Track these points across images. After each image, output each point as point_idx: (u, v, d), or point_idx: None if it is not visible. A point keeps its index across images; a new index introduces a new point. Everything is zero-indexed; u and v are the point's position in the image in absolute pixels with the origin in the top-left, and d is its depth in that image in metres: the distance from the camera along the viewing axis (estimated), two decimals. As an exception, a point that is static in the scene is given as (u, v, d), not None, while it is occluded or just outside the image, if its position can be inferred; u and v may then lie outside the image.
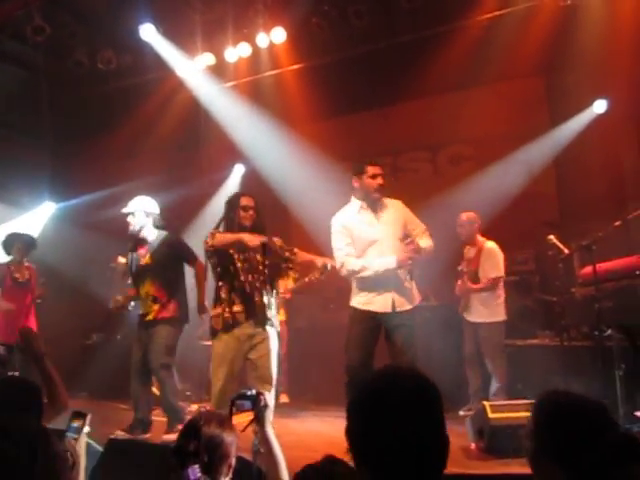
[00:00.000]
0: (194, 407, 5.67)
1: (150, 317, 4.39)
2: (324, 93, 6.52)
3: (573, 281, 4.62)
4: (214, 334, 3.74)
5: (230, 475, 1.92)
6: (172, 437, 4.13)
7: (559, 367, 4.06)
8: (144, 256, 4.47)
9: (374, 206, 3.85)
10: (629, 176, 5.81)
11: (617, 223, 3.84)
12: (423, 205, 4.61)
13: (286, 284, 5.79)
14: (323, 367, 5.74)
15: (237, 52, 6.53)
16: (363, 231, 3.81)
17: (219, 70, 6.84)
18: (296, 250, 3.89)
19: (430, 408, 1.17)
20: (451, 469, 1.22)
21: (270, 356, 3.71)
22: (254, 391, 2.13)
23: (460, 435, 3.81)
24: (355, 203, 3.90)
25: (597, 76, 5.63)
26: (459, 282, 5.09)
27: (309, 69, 6.64)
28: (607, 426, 1.22)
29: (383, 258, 3.73)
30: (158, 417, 4.67)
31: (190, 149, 7.72)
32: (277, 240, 3.89)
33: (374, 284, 3.76)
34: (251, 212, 3.76)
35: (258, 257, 3.76)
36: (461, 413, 4.67)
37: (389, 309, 3.75)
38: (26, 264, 5.44)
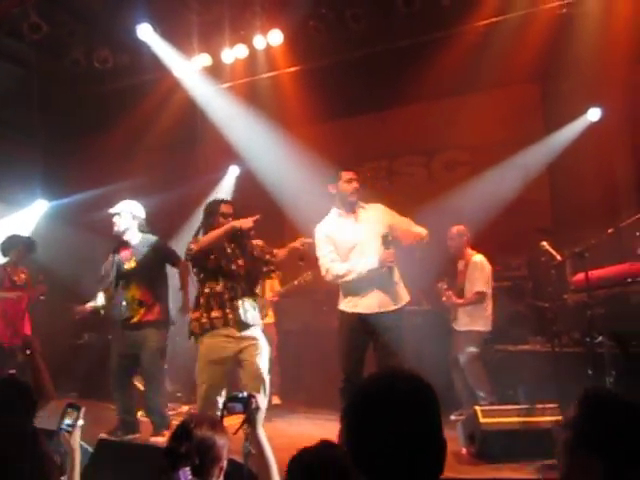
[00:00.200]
0: (185, 408, 5.66)
1: (135, 320, 4.38)
2: (320, 96, 6.53)
3: (565, 288, 4.64)
4: (192, 336, 3.78)
5: (221, 478, 1.91)
6: (159, 439, 4.13)
7: (550, 373, 4.07)
8: (129, 259, 4.48)
9: (352, 210, 3.92)
10: (622, 184, 5.85)
11: (610, 231, 3.86)
12: (417, 209, 4.63)
13: (272, 286, 5.79)
14: (315, 369, 5.75)
15: (234, 53, 6.53)
16: (344, 236, 3.86)
17: (215, 71, 6.83)
18: (275, 251, 3.93)
19: (427, 410, 1.17)
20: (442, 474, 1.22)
21: (260, 359, 3.72)
22: (246, 393, 2.13)
23: (451, 440, 3.79)
24: (333, 211, 3.97)
25: (592, 84, 5.67)
26: (443, 300, 5.10)
27: (306, 72, 6.64)
28: None
29: (366, 259, 3.76)
30: (145, 418, 4.67)
31: (185, 150, 7.70)
32: (258, 242, 3.92)
33: (358, 287, 3.80)
34: (230, 219, 3.76)
35: (240, 261, 3.78)
36: (452, 417, 4.68)
37: (375, 309, 3.78)
38: (21, 267, 5.37)
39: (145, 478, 2.26)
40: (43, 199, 7.57)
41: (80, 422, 2.20)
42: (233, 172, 7.41)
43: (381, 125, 6.90)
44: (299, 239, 3.78)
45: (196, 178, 7.09)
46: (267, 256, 3.89)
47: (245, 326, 3.72)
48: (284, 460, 2.23)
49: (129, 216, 4.50)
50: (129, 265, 4.46)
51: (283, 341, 6.03)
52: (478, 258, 4.99)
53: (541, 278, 5.39)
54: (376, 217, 3.93)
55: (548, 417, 3.70)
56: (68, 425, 2.16)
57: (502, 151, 5.97)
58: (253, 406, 2.06)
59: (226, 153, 7.07)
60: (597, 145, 5.74)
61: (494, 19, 5.79)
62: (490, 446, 3.61)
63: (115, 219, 4.49)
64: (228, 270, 3.75)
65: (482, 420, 3.67)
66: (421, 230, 3.83)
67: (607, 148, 5.87)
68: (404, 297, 3.91)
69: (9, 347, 5.10)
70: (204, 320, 3.69)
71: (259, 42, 6.31)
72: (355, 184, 3.88)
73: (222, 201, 3.99)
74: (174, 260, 4.53)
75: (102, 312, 4.67)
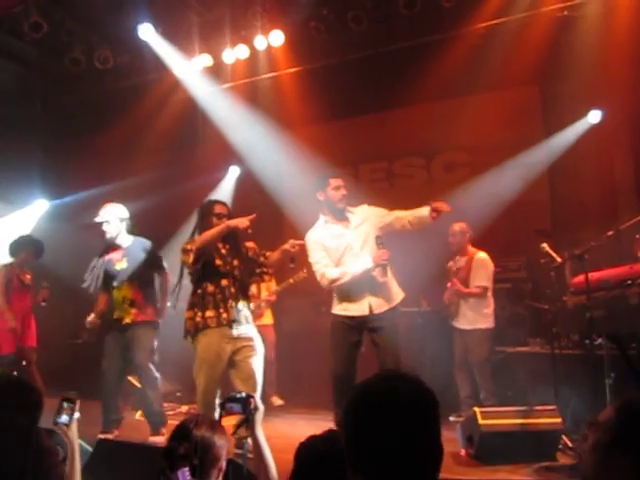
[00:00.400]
0: (184, 408, 5.66)
1: (128, 320, 4.40)
2: (321, 97, 6.53)
3: (565, 289, 4.64)
4: (187, 335, 3.80)
5: (220, 478, 1.91)
6: (159, 439, 4.14)
7: (549, 375, 4.07)
8: (120, 260, 4.51)
9: (341, 216, 3.92)
10: (622, 186, 5.86)
11: (610, 233, 3.86)
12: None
13: (269, 286, 5.79)
14: (314, 370, 5.74)
15: (235, 54, 6.53)
16: (334, 243, 3.87)
17: (216, 71, 6.84)
18: (268, 253, 3.95)
19: (428, 415, 1.17)
20: (440, 475, 1.22)
21: (254, 360, 3.73)
22: (244, 394, 2.13)
23: (450, 441, 3.81)
24: (321, 219, 3.98)
25: (592, 87, 5.68)
26: (448, 287, 5.10)
27: (306, 72, 6.65)
28: None
29: (359, 260, 3.77)
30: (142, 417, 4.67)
31: (186, 150, 7.71)
32: (251, 245, 3.93)
33: (350, 290, 3.81)
34: (224, 220, 3.77)
35: (235, 262, 3.79)
36: (451, 419, 4.69)
37: (367, 312, 3.78)
38: (26, 269, 5.34)
39: (144, 478, 2.26)
40: (43, 198, 7.57)
41: (76, 415, 2.20)
42: (233, 172, 7.41)
43: (381, 126, 6.90)
44: (290, 241, 3.79)
45: (196, 178, 7.08)
46: (260, 258, 3.92)
47: (239, 326, 3.74)
48: (283, 460, 2.24)
49: (117, 221, 4.56)
50: (120, 266, 4.50)
51: (282, 342, 6.03)
52: (483, 255, 4.99)
53: (540, 280, 5.39)
54: (364, 217, 3.94)
55: (547, 419, 3.70)
56: (65, 419, 2.17)
57: (502, 153, 5.97)
58: (252, 406, 2.06)
59: (226, 153, 7.07)
60: (597, 147, 5.75)
61: (495, 21, 5.80)
62: (489, 448, 3.61)
63: (105, 227, 4.54)
64: (222, 270, 3.77)
65: (481, 422, 3.67)
66: (412, 211, 3.82)
67: (607, 150, 5.88)
68: (398, 295, 3.91)
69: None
70: (198, 319, 3.72)
71: (260, 42, 6.32)
72: (343, 191, 3.88)
73: (216, 202, 4.01)
74: (160, 267, 4.62)
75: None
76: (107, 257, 4.54)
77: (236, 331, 3.75)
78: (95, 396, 4.74)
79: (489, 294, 4.96)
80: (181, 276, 3.88)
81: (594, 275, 3.81)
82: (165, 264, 4.65)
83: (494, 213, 5.54)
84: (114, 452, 2.75)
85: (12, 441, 1.32)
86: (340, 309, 3.88)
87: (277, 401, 5.77)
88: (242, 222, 3.61)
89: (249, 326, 3.84)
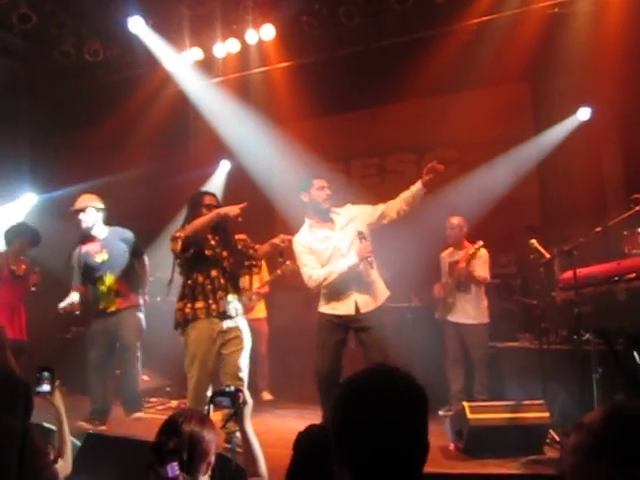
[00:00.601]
0: (174, 403, 5.65)
1: (113, 309, 4.49)
2: (312, 92, 6.52)
3: (554, 285, 4.68)
4: (177, 327, 3.81)
5: (209, 472, 1.92)
6: (140, 415, 4.32)
7: (538, 370, 4.11)
8: (99, 252, 4.53)
9: (326, 217, 3.92)
10: (610, 183, 5.90)
11: (598, 229, 3.89)
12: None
13: (262, 277, 5.77)
14: (305, 365, 5.72)
15: (226, 48, 6.50)
16: (321, 246, 3.88)
17: (207, 65, 6.80)
18: (257, 247, 3.96)
19: (418, 411, 1.17)
20: (429, 469, 1.23)
21: (241, 353, 3.74)
22: (233, 387, 2.14)
23: (439, 435, 3.84)
24: (306, 223, 3.98)
25: (582, 84, 5.71)
26: (444, 281, 5.12)
27: (298, 67, 6.63)
28: None
29: (344, 258, 3.78)
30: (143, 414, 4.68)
31: (176, 144, 7.66)
32: (242, 236, 3.95)
33: (336, 289, 3.82)
34: (214, 210, 3.77)
35: (224, 253, 3.80)
36: (440, 413, 4.72)
37: (352, 312, 3.80)
38: (22, 257, 5.14)
39: (133, 473, 2.26)
40: (32, 192, 7.50)
41: (57, 382, 2.21)
42: (224, 167, 7.38)
43: (372, 122, 6.90)
44: (280, 235, 3.79)
45: (187, 172, 7.05)
46: (250, 251, 3.92)
47: (228, 318, 3.75)
48: (272, 455, 2.24)
49: (94, 211, 4.55)
50: (101, 258, 4.52)
51: (273, 337, 6.03)
52: (484, 250, 5.01)
53: (530, 275, 5.43)
54: (350, 215, 3.94)
55: (535, 413, 3.73)
56: (47, 387, 2.18)
57: (492, 149, 6.00)
58: (240, 400, 2.06)
59: (217, 147, 7.04)
60: (586, 144, 5.79)
61: (486, 18, 5.81)
62: (478, 442, 3.64)
63: (81, 216, 4.54)
64: (212, 261, 3.77)
65: (470, 416, 3.70)
66: (401, 195, 3.85)
67: (596, 147, 5.92)
68: (384, 293, 3.92)
69: None
70: (187, 310, 3.73)
71: (251, 37, 6.29)
72: (327, 191, 3.89)
73: (205, 193, 4.04)
74: (141, 252, 4.72)
75: (77, 313, 4.66)
76: (84, 249, 4.52)
77: (225, 324, 3.75)
78: (84, 390, 4.74)
79: (483, 289, 4.99)
80: (173, 270, 3.88)
81: (582, 271, 3.84)
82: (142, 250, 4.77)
83: (484, 209, 5.56)
84: (103, 446, 2.75)
85: (3, 443, 1.30)
86: (327, 308, 3.90)
87: (267, 396, 5.77)
88: (233, 210, 3.61)
89: (239, 318, 3.84)
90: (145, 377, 5.88)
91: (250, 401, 2.11)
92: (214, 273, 3.76)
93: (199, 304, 3.71)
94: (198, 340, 3.71)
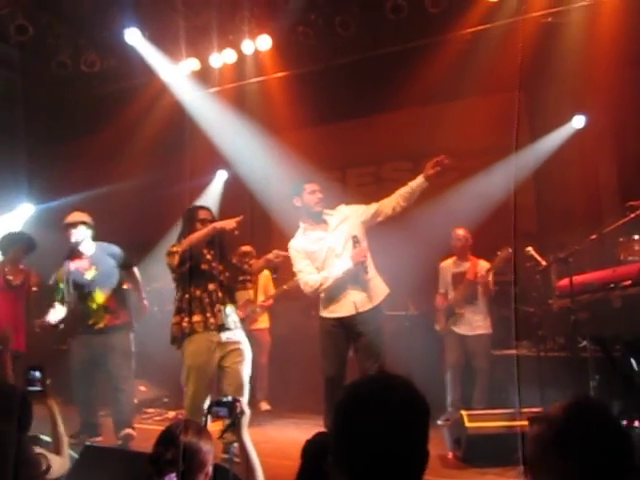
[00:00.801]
0: (171, 414, 5.62)
1: (101, 325, 4.41)
2: (308, 101, 6.55)
3: (550, 292, 4.69)
4: (174, 342, 3.80)
5: (207, 483, 1.91)
6: (128, 431, 4.21)
7: (535, 377, 4.11)
8: (88, 269, 4.49)
9: (319, 220, 3.93)
10: (606, 191, 5.93)
11: (593, 236, 3.91)
12: (404, 215, 4.64)
13: (267, 290, 5.80)
14: (303, 374, 5.73)
15: (222, 58, 6.54)
16: (315, 247, 3.89)
17: (203, 76, 6.83)
18: (252, 261, 4.01)
19: (418, 419, 1.18)
20: (428, 477, 1.23)
21: (242, 364, 3.74)
22: (230, 398, 2.13)
23: (438, 444, 3.83)
24: (301, 227, 3.99)
25: (576, 92, 5.75)
26: (443, 291, 5.12)
27: (294, 77, 6.66)
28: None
29: (339, 262, 3.79)
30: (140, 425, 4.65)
31: (173, 154, 7.67)
32: (247, 249, 3.97)
33: (334, 290, 3.82)
34: (208, 225, 3.78)
35: (220, 267, 3.81)
36: (439, 422, 4.71)
37: (352, 311, 3.79)
38: (21, 267, 5.08)
39: (130, 484, 2.25)
40: (28, 203, 7.49)
41: (48, 381, 2.20)
42: (221, 176, 7.40)
43: (368, 131, 6.93)
44: (274, 251, 3.81)
45: (184, 182, 7.06)
46: (245, 265, 3.94)
47: (226, 330, 3.74)
48: (270, 465, 2.24)
49: (84, 228, 4.54)
50: (91, 275, 4.48)
51: (272, 346, 6.02)
52: (486, 263, 5.06)
53: (526, 283, 5.44)
54: (345, 216, 3.95)
55: (533, 421, 3.73)
56: (39, 387, 2.17)
57: (488, 157, 6.02)
58: (238, 410, 2.06)
59: (214, 157, 7.06)
60: (581, 152, 5.82)
61: (480, 27, 5.86)
62: (476, 450, 3.64)
63: (72, 230, 4.51)
64: (209, 275, 3.78)
65: (468, 424, 3.70)
66: (398, 191, 3.88)
67: (591, 155, 5.95)
68: (381, 292, 3.91)
69: None
70: (184, 324, 3.72)
71: (247, 47, 6.32)
72: (319, 195, 3.90)
73: (200, 207, 4.05)
74: (131, 263, 4.65)
75: (61, 326, 4.59)
76: (73, 267, 4.47)
77: (224, 336, 3.75)
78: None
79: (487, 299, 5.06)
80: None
81: (578, 278, 3.86)
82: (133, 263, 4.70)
83: (480, 216, 5.58)
84: (100, 458, 2.73)
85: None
86: (327, 312, 3.90)
87: (265, 406, 5.75)
88: (229, 223, 3.63)
89: (237, 331, 3.84)
90: (142, 388, 5.86)
91: (247, 411, 2.11)
92: (211, 287, 3.76)
93: (196, 317, 3.71)
94: (196, 353, 3.70)
